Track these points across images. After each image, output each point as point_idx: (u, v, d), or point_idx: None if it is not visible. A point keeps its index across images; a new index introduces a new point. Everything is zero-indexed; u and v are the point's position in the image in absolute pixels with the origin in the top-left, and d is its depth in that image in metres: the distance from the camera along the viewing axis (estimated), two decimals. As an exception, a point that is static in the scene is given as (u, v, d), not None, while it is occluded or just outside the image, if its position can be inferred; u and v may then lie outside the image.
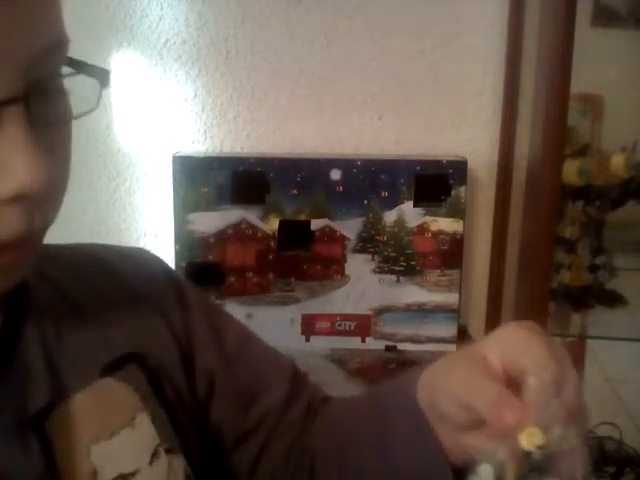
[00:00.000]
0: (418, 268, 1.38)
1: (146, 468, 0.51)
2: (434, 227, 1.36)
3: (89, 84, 0.45)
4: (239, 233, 1.36)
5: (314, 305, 1.39)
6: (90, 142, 1.51)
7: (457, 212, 1.36)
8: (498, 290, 1.45)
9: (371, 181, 1.35)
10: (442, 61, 1.41)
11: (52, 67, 0.42)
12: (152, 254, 0.67)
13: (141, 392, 0.54)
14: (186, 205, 1.36)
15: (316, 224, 1.37)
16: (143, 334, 0.57)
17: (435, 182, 1.35)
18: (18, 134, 0.38)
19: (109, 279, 0.59)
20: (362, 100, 1.44)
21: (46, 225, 0.45)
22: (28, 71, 0.39)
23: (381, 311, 1.38)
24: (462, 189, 1.35)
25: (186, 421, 0.57)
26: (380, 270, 1.38)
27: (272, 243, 1.37)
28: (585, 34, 1.24)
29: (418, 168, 1.35)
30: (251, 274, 1.38)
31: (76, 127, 1.54)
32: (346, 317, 1.39)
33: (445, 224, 1.36)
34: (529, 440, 0.41)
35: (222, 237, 1.37)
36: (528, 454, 0.41)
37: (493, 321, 1.46)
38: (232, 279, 1.38)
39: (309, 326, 1.39)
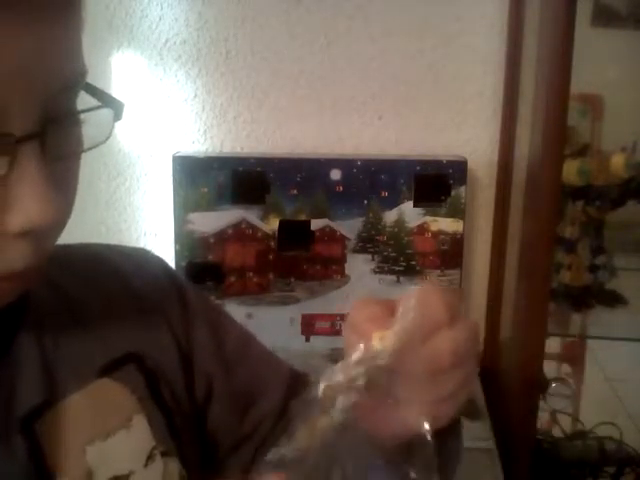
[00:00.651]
0: (418, 268, 1.38)
1: (141, 470, 0.51)
2: (434, 227, 1.36)
3: (103, 113, 0.46)
4: (239, 233, 1.36)
5: (314, 305, 1.39)
6: (90, 142, 1.51)
7: (457, 212, 1.36)
8: (498, 290, 1.45)
9: (371, 181, 1.35)
10: (442, 61, 1.41)
11: (70, 101, 0.42)
12: (154, 254, 0.66)
13: (138, 394, 0.54)
14: (186, 205, 1.36)
15: (316, 224, 1.37)
16: (142, 335, 0.57)
17: (435, 182, 1.35)
18: (32, 170, 0.38)
19: (110, 279, 0.59)
20: (362, 100, 1.44)
21: (50, 252, 0.45)
22: (46, 106, 0.39)
23: (381, 311, 1.38)
24: (462, 189, 1.35)
25: (182, 424, 0.57)
26: (380, 270, 1.38)
27: (272, 243, 1.37)
28: (585, 34, 1.24)
29: (418, 168, 1.35)
30: (251, 274, 1.38)
31: (76, 127, 1.48)
32: (346, 317, 1.39)
33: (445, 224, 1.36)
34: (380, 339, 0.43)
35: (222, 237, 1.37)
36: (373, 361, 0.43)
37: (493, 321, 1.47)
38: (232, 279, 1.38)
39: (309, 326, 1.39)
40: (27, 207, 0.38)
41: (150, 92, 1.48)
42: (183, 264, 1.37)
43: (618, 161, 1.25)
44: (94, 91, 0.44)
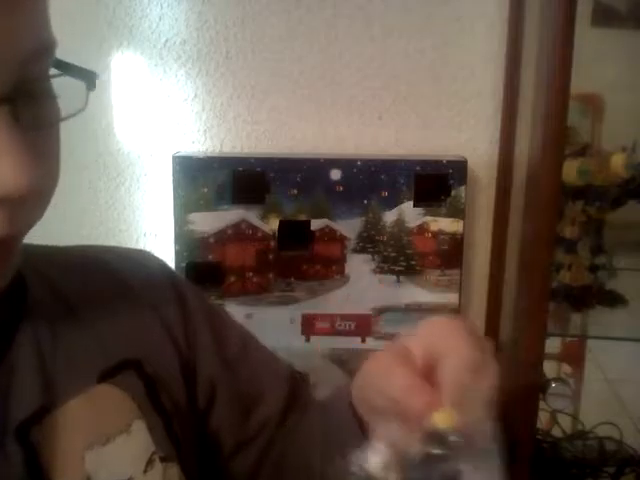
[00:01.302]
0: (418, 268, 1.38)
1: (140, 476, 0.51)
2: (434, 227, 1.36)
3: (77, 86, 0.45)
4: (239, 233, 1.36)
5: (314, 305, 1.39)
6: (90, 142, 1.51)
7: (457, 212, 1.36)
8: (498, 290, 1.45)
9: (371, 181, 1.35)
10: (442, 61, 1.41)
11: (40, 70, 0.42)
12: (154, 256, 0.66)
13: (138, 399, 0.53)
14: (186, 205, 1.36)
15: (316, 224, 1.37)
16: (141, 340, 0.57)
17: (435, 182, 1.35)
18: (4, 136, 0.38)
19: (109, 283, 0.59)
20: (362, 100, 1.44)
21: (27, 228, 0.44)
22: (15, 74, 0.39)
23: (381, 311, 1.38)
24: (462, 189, 1.35)
25: (182, 430, 0.56)
26: (380, 270, 1.38)
27: (272, 243, 1.37)
28: (585, 34, 1.24)
29: (418, 168, 1.35)
30: (251, 274, 1.38)
31: (76, 127, 1.55)
32: (346, 317, 1.39)
33: (445, 224, 1.36)
34: (442, 420, 0.41)
35: (222, 237, 1.37)
36: (442, 437, 0.41)
37: (493, 321, 1.46)
38: (232, 279, 1.38)
39: (309, 326, 1.39)
40: (1, 174, 0.37)
41: (150, 92, 1.48)
42: (183, 264, 1.37)
43: (618, 161, 1.25)
44: (65, 66, 0.44)
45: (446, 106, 1.44)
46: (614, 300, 1.35)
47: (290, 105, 1.45)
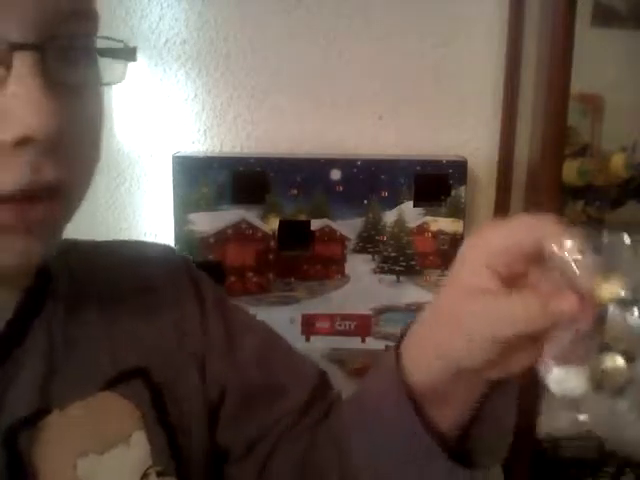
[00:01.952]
0: (418, 268, 1.38)
1: None
2: (434, 227, 1.36)
3: (118, 59, 0.46)
4: (239, 233, 1.36)
5: (314, 305, 1.39)
6: (90, 142, 1.51)
7: (457, 212, 1.36)
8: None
9: (371, 181, 1.35)
10: (442, 61, 1.41)
11: (77, 32, 0.42)
12: (176, 254, 0.66)
13: (142, 410, 0.52)
14: (186, 205, 1.36)
15: (316, 224, 1.37)
16: (155, 347, 0.56)
17: (435, 182, 1.35)
18: (29, 81, 0.38)
19: (133, 282, 0.58)
20: (362, 100, 1.44)
21: (64, 190, 0.43)
22: (47, 27, 0.39)
23: (381, 311, 1.38)
24: (462, 189, 1.35)
25: (185, 442, 0.55)
26: (380, 270, 1.38)
27: (272, 243, 1.37)
28: (585, 34, 1.24)
29: (418, 168, 1.35)
30: (251, 274, 1.38)
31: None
32: (346, 317, 1.39)
33: (445, 224, 1.36)
34: (609, 292, 0.36)
35: (222, 237, 1.37)
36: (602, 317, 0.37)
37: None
38: (232, 279, 1.38)
39: (309, 326, 1.39)
40: (22, 115, 0.38)
41: (150, 92, 1.48)
42: (183, 264, 1.37)
43: (618, 161, 1.25)
44: (107, 40, 0.44)
45: (446, 106, 1.44)
46: (614, 300, 1.35)
47: (290, 105, 1.45)
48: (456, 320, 0.41)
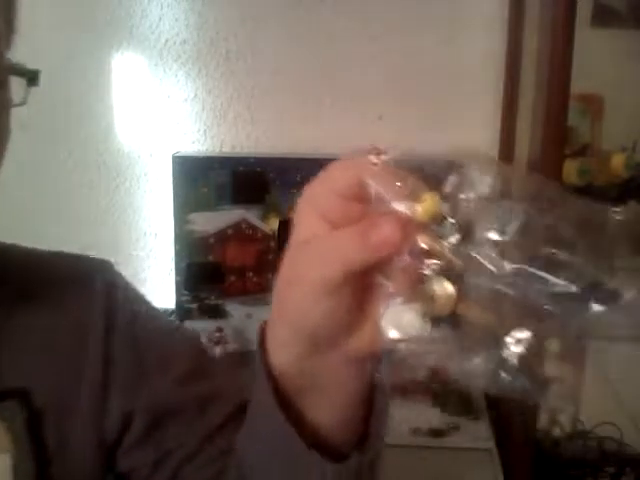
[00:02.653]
0: (418, 268, 1.38)
1: None
2: (434, 227, 1.36)
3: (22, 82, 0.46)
4: (239, 233, 1.36)
5: (314, 305, 1.39)
6: (90, 142, 1.51)
7: (457, 212, 1.36)
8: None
9: (371, 181, 1.35)
10: (442, 61, 1.41)
11: None
12: (106, 274, 0.60)
13: (14, 432, 0.50)
14: (186, 205, 1.36)
15: (316, 224, 1.36)
16: (43, 371, 0.53)
17: (435, 182, 1.35)
18: None
19: (38, 301, 0.55)
20: (362, 100, 1.44)
21: None
22: None
23: (381, 311, 1.38)
24: (462, 189, 1.35)
25: (61, 473, 0.52)
26: (380, 270, 1.38)
27: (272, 243, 1.37)
28: (585, 34, 1.24)
29: (418, 168, 1.34)
30: (251, 274, 1.38)
31: (76, 127, 1.56)
32: (346, 317, 1.39)
33: (445, 224, 1.36)
34: (427, 208, 0.34)
35: (222, 237, 1.37)
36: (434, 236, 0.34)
37: (493, 321, 1.46)
38: (232, 279, 1.38)
39: (309, 326, 1.39)
40: None
41: (150, 92, 1.48)
42: (183, 264, 1.37)
43: (618, 161, 1.25)
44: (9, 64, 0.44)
45: (446, 106, 1.44)
46: (614, 300, 1.35)
47: (290, 105, 1.45)
48: (291, 277, 0.38)
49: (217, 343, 1.39)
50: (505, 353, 0.35)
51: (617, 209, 0.35)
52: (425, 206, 0.34)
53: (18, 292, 0.54)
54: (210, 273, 1.38)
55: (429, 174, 0.36)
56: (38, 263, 0.58)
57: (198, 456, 0.55)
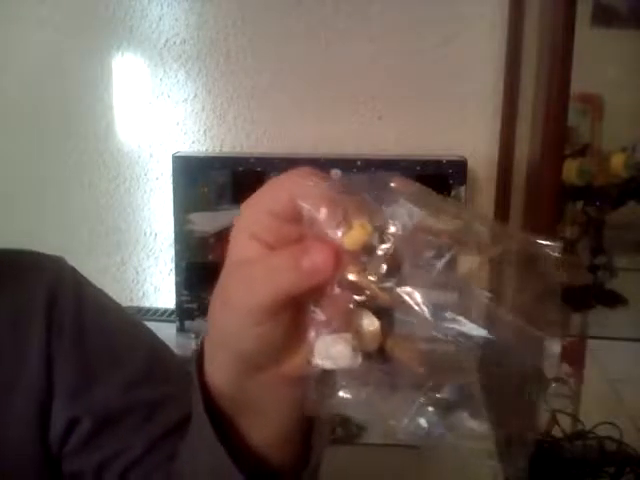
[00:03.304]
0: (418, 268, 1.38)
1: None
2: (434, 227, 1.36)
3: None
4: (239, 233, 1.36)
5: (314, 305, 1.38)
6: (90, 142, 1.51)
7: (457, 212, 1.35)
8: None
9: (371, 181, 1.34)
10: (442, 61, 1.41)
11: None
12: (57, 272, 0.58)
13: None
14: (186, 205, 1.36)
15: (316, 224, 1.36)
16: None
17: (435, 182, 1.35)
18: None
19: None
20: (362, 100, 1.44)
21: None
22: None
23: (381, 311, 1.38)
24: (462, 189, 1.35)
25: None
26: (380, 270, 1.38)
27: (272, 243, 1.37)
28: (585, 34, 1.24)
29: (418, 168, 1.34)
30: (251, 274, 1.38)
31: (76, 127, 1.56)
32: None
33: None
34: (356, 237, 0.32)
35: (222, 237, 1.37)
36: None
37: (493, 321, 1.46)
38: (232, 279, 1.38)
39: (309, 326, 1.39)
40: None
41: (150, 92, 1.48)
42: (183, 264, 1.37)
43: (618, 161, 1.25)
44: None
45: (446, 106, 1.43)
46: (614, 300, 1.35)
47: (290, 105, 1.45)
48: (223, 299, 0.37)
49: (217, 343, 1.39)
50: (425, 398, 0.35)
51: (555, 245, 0.33)
52: (354, 234, 0.33)
53: None
54: (210, 273, 1.37)
55: (369, 201, 0.34)
56: None
57: (144, 462, 0.54)
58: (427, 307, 0.32)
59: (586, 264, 1.33)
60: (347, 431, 1.16)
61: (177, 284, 1.40)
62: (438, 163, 1.35)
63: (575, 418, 1.40)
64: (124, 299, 1.58)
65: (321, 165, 1.35)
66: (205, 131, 1.48)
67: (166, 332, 1.41)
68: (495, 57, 1.40)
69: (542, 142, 1.12)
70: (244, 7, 1.42)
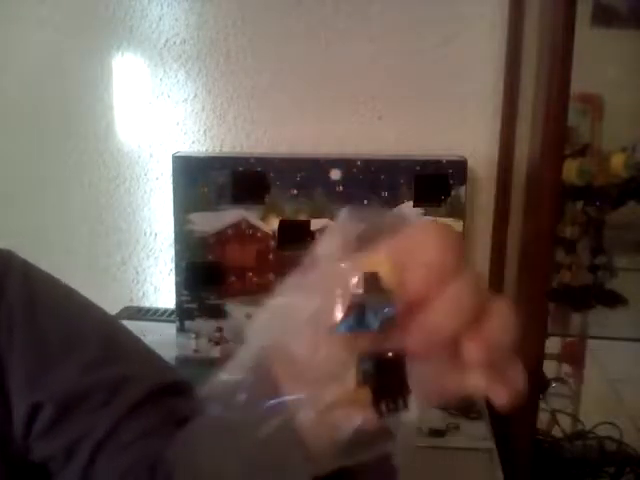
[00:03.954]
0: (418, 268, 1.38)
1: None
2: (434, 227, 1.36)
3: None
4: (239, 233, 1.36)
5: (314, 305, 1.38)
6: (90, 142, 1.51)
7: (457, 212, 1.36)
8: (498, 290, 1.45)
9: (371, 181, 1.35)
10: (442, 61, 1.41)
11: None
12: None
13: None
14: (186, 205, 1.36)
15: (316, 224, 1.36)
16: None
17: (435, 182, 1.35)
18: None
19: None
20: (362, 100, 1.44)
21: None
22: None
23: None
24: (462, 189, 1.35)
25: None
26: (380, 270, 1.38)
27: (272, 243, 1.37)
28: (585, 34, 1.24)
29: (418, 168, 1.35)
30: (251, 274, 1.38)
31: (76, 127, 1.56)
32: (346, 317, 1.39)
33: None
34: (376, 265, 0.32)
35: (222, 237, 1.37)
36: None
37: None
38: (232, 279, 1.38)
39: (309, 326, 1.39)
40: None
41: (150, 92, 1.48)
42: (183, 264, 1.37)
43: (618, 161, 1.25)
44: None
45: (446, 106, 1.43)
46: (614, 300, 1.35)
47: (290, 105, 1.45)
48: None
49: (217, 343, 1.39)
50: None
51: None
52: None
53: None
54: (210, 273, 1.38)
55: None
56: None
57: (111, 441, 0.54)
58: None
59: (586, 264, 1.33)
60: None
61: (177, 284, 1.40)
62: (438, 163, 1.35)
63: (575, 418, 1.40)
64: (124, 299, 1.58)
65: (321, 165, 1.35)
66: (205, 131, 1.48)
67: (166, 332, 1.41)
68: (495, 57, 1.40)
69: (542, 142, 1.12)
70: (244, 7, 1.42)
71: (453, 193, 1.35)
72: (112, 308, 1.27)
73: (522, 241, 1.28)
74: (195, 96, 1.47)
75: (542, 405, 1.26)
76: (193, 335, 1.39)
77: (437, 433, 1.20)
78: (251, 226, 1.36)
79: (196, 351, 1.39)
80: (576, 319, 1.42)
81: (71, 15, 1.46)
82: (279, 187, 1.35)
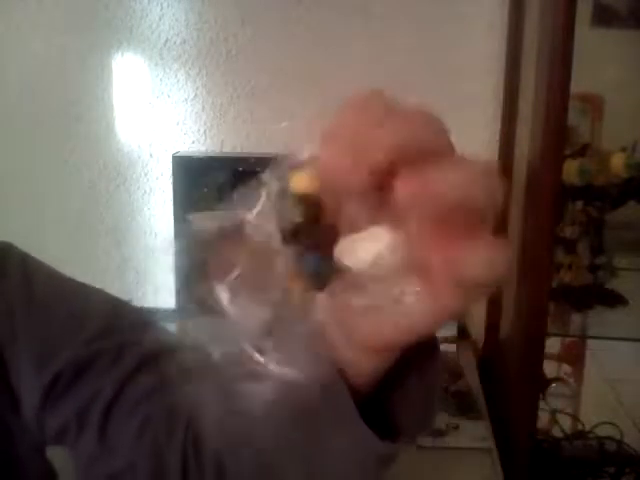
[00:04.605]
0: (418, 268, 1.38)
1: None
2: (434, 227, 1.36)
3: None
4: (239, 233, 1.36)
5: (314, 305, 1.38)
6: (90, 142, 1.51)
7: (457, 212, 1.35)
8: (498, 290, 1.45)
9: (371, 181, 1.35)
10: (442, 61, 1.41)
11: None
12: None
13: None
14: (186, 205, 1.36)
15: (316, 224, 1.36)
16: None
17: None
18: None
19: None
20: (362, 100, 1.44)
21: None
22: None
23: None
24: (462, 189, 1.34)
25: None
26: (380, 270, 1.37)
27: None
28: (585, 34, 1.24)
29: (418, 168, 1.34)
30: (251, 274, 1.38)
31: (76, 127, 1.56)
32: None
33: (445, 224, 1.36)
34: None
35: (222, 237, 1.37)
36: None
37: (493, 321, 1.46)
38: (232, 279, 1.38)
39: (309, 326, 1.39)
40: None
41: (150, 92, 1.48)
42: (183, 264, 1.37)
43: (618, 161, 1.25)
44: None
45: (446, 106, 1.43)
46: (614, 300, 1.35)
47: (290, 105, 1.45)
48: (348, 335, 0.39)
49: (217, 343, 1.39)
50: None
51: None
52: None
53: None
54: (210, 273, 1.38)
55: None
56: None
57: (119, 400, 0.56)
58: None
59: (586, 264, 1.33)
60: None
61: (177, 284, 1.40)
62: (438, 163, 1.35)
63: (575, 418, 1.40)
64: (124, 299, 1.57)
65: (321, 165, 1.35)
66: (205, 131, 1.48)
67: (166, 332, 1.41)
68: (495, 57, 1.40)
69: (542, 142, 1.12)
70: (244, 7, 1.42)
71: (453, 193, 1.35)
72: (112, 308, 1.26)
73: (522, 241, 1.28)
74: (195, 96, 1.47)
75: (542, 405, 1.26)
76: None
77: (437, 433, 1.20)
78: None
79: (196, 351, 1.39)
80: (576, 319, 1.42)
81: (71, 15, 1.46)
82: (279, 187, 1.35)
